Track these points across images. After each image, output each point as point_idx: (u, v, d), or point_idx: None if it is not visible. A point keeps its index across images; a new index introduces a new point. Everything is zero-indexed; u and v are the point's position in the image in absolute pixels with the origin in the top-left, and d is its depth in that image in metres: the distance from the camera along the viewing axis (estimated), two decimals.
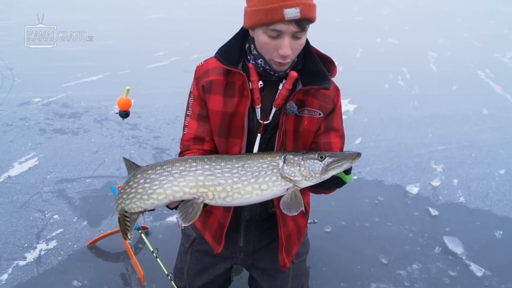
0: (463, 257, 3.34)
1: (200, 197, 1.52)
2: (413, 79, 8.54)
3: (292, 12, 1.51)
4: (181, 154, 1.92)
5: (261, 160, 1.52)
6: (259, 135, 1.79)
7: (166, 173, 1.52)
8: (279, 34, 1.58)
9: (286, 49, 1.60)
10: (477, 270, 3.19)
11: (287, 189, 1.54)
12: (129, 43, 10.65)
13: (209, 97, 1.83)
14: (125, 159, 1.67)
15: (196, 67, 1.92)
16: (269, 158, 1.52)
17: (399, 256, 3.33)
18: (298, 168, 1.51)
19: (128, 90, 2.86)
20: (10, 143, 4.81)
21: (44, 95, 6.46)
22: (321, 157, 1.51)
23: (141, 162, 4.52)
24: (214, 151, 1.91)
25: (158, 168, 1.54)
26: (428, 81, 8.47)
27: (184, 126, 1.94)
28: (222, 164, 1.52)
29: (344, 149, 1.95)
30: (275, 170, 1.52)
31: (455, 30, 15.07)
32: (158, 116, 5.88)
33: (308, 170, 1.50)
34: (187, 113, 1.93)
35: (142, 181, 1.54)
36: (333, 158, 1.51)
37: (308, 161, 1.51)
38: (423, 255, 3.34)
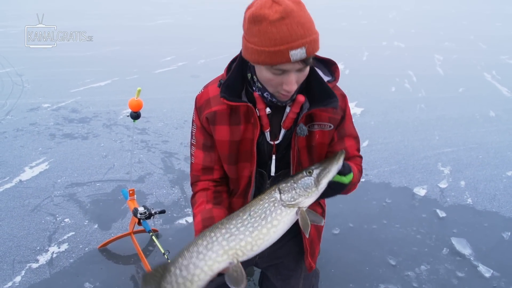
0: (471, 258, 3.35)
1: (233, 258, 1.58)
2: (420, 82, 8.54)
3: (298, 54, 1.47)
4: (192, 185, 1.99)
5: (261, 202, 1.59)
6: (274, 156, 1.82)
7: (195, 254, 1.58)
8: (283, 72, 1.56)
9: (291, 86, 1.59)
10: (485, 271, 3.20)
11: (296, 213, 1.59)
12: (137, 48, 10.75)
13: (214, 128, 1.83)
14: (146, 275, 1.66)
15: (196, 96, 1.91)
16: (266, 197, 1.59)
17: (407, 257, 3.34)
18: (294, 192, 1.56)
19: (139, 91, 2.89)
20: (21, 148, 4.87)
21: (53, 101, 6.54)
22: (309, 172, 1.57)
23: (150, 166, 4.57)
24: (223, 178, 1.96)
25: (185, 253, 1.59)
26: (434, 84, 8.47)
27: (191, 155, 1.98)
28: (234, 222, 1.59)
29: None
30: (276, 204, 1.57)
31: (461, 33, 15.05)
32: (166, 121, 5.93)
33: (303, 189, 1.56)
34: (192, 142, 1.96)
35: (177, 272, 1.58)
36: (320, 168, 1.57)
37: (299, 181, 1.57)
38: (431, 256, 3.36)
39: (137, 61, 9.38)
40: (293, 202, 1.56)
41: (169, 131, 5.59)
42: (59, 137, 5.22)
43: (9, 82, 7.43)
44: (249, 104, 1.73)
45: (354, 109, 6.64)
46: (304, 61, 1.53)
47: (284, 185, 1.59)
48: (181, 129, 5.65)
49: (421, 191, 4.30)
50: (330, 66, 1.85)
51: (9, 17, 14.79)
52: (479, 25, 17.09)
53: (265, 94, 1.71)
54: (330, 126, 1.81)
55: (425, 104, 7.12)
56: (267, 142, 1.82)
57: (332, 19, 17.14)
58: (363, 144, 5.35)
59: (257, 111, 1.75)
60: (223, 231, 1.59)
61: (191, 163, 1.99)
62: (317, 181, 1.55)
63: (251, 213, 1.59)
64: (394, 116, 6.51)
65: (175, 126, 5.74)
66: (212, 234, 1.59)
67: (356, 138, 1.97)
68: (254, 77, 1.71)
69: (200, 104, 1.87)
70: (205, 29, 13.91)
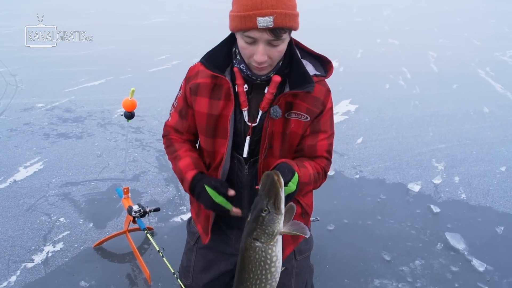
0: (465, 253, 3.37)
1: None
2: (414, 79, 8.57)
3: (264, 21, 1.52)
4: (165, 137, 2.12)
5: (251, 258, 1.58)
6: (248, 137, 1.83)
7: None
8: (254, 41, 1.60)
9: (259, 56, 1.61)
10: (479, 266, 3.23)
11: (278, 238, 1.59)
12: (131, 47, 10.72)
13: (195, 99, 1.88)
14: None
15: (190, 66, 1.96)
16: (251, 251, 1.57)
17: (402, 252, 3.36)
18: (267, 231, 1.54)
19: (133, 91, 2.90)
20: (15, 148, 4.86)
21: (47, 100, 6.52)
22: (265, 210, 1.53)
23: (145, 165, 4.57)
24: (192, 140, 2.08)
25: None
26: (428, 81, 8.50)
27: (170, 113, 2.08)
28: (248, 284, 1.60)
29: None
30: (263, 249, 1.56)
31: (455, 30, 15.10)
32: (160, 119, 5.92)
33: (272, 224, 1.54)
34: (174, 103, 2.04)
35: None
36: (271, 200, 1.53)
37: (264, 222, 1.53)
38: (425, 252, 3.38)
39: (132, 60, 9.37)
40: (272, 237, 1.56)
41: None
42: (53, 137, 5.21)
43: (3, 82, 7.39)
44: (226, 78, 1.77)
45: (349, 106, 6.65)
46: (273, 33, 1.56)
47: (255, 233, 1.56)
48: None
49: (415, 187, 4.32)
50: (326, 64, 1.87)
51: (3, 17, 14.72)
52: (473, 22, 17.15)
53: (241, 66, 1.75)
54: (306, 118, 1.81)
55: (419, 101, 7.15)
56: (245, 122, 1.83)
57: (327, 16, 17.15)
58: (357, 141, 5.36)
59: (236, 87, 1.79)
60: None
61: (167, 119, 2.10)
62: (277, 210, 1.53)
63: (253, 269, 1.59)
64: (388, 113, 6.53)
65: None
66: None
67: (329, 138, 1.94)
68: (237, 50, 1.76)
69: (190, 75, 1.92)
70: (200, 28, 13.89)
